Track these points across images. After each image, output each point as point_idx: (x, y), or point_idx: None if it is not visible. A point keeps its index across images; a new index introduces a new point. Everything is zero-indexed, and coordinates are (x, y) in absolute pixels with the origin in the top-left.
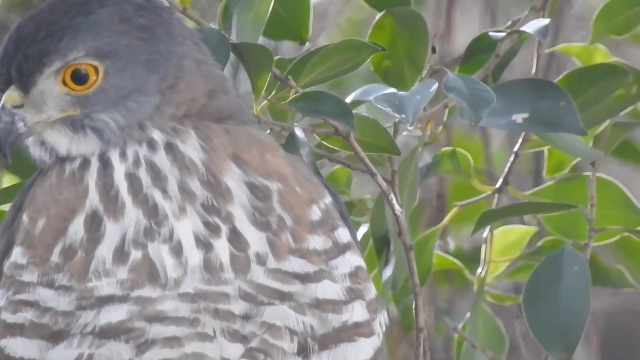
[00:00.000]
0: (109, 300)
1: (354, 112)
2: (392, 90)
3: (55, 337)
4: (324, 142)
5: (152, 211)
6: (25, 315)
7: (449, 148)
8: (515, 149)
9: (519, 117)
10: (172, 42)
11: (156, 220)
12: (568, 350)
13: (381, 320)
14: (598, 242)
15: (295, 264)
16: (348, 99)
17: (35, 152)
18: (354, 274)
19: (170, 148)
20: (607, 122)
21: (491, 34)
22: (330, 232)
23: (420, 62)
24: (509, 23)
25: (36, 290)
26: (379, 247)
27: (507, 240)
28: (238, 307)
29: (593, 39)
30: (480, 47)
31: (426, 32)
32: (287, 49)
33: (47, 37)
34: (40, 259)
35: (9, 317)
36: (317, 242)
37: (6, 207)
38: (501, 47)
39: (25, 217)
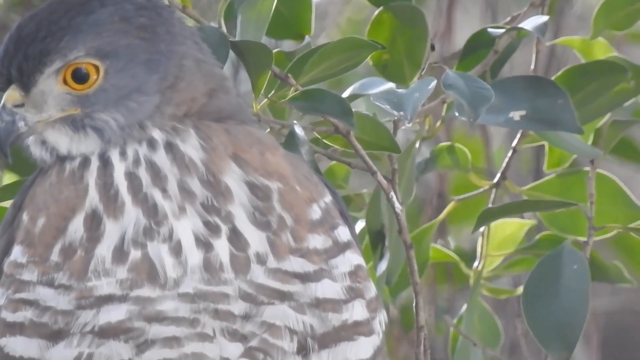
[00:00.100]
0: (109, 299)
1: (354, 110)
2: (391, 84)
3: (55, 336)
4: (324, 140)
5: (151, 210)
6: (25, 314)
7: (447, 143)
8: (514, 144)
9: (516, 115)
10: (172, 41)
11: (156, 220)
12: (567, 350)
13: (381, 319)
14: (595, 238)
15: (296, 264)
16: (346, 93)
17: (36, 151)
18: (354, 273)
19: (170, 147)
20: (607, 118)
21: (490, 30)
22: (330, 231)
23: (419, 57)
24: (508, 19)
25: (36, 289)
26: (374, 241)
27: (503, 233)
28: (238, 307)
29: (594, 34)
30: (479, 43)
31: (425, 27)
32: (288, 48)
33: (48, 36)
34: (40, 258)
35: (9, 316)
36: (317, 241)
37: (7, 204)
38: (500, 43)
39: (25, 216)
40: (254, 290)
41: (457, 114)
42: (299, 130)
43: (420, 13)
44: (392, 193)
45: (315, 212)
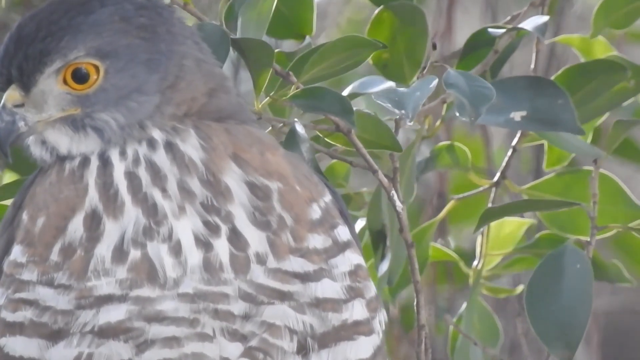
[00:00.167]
0: (108, 299)
1: (355, 108)
2: (391, 83)
3: (54, 336)
4: (325, 138)
5: (151, 210)
6: (25, 314)
7: (447, 142)
8: (513, 143)
9: (517, 115)
10: (172, 41)
11: (155, 220)
12: (570, 349)
13: (381, 319)
14: (597, 236)
15: (295, 264)
16: (346, 92)
17: (36, 151)
18: (353, 273)
19: (170, 147)
20: (606, 117)
21: (490, 30)
22: (330, 230)
23: (419, 57)
24: (508, 18)
25: (36, 289)
26: (375, 241)
27: (503, 232)
28: (238, 307)
29: (594, 33)
30: (479, 42)
31: (426, 26)
32: (289, 48)
33: (48, 36)
34: (39, 258)
35: (9, 316)
36: (317, 241)
37: (7, 202)
38: (500, 43)
39: (25, 216)
40: (253, 290)
41: (457, 114)
42: (299, 128)
43: (420, 12)
44: (393, 192)
45: (315, 212)
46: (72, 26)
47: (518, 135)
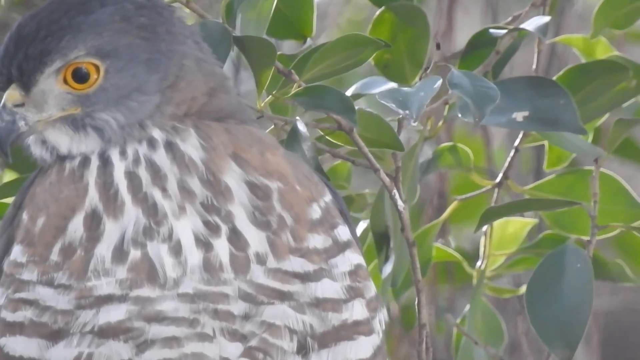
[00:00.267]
0: (108, 299)
1: (357, 107)
2: (393, 84)
3: (54, 336)
4: (327, 137)
5: (151, 210)
6: (25, 314)
7: (449, 143)
8: (516, 143)
9: (519, 115)
10: (173, 41)
11: (155, 220)
12: (570, 348)
13: (381, 319)
14: (598, 237)
15: (296, 264)
16: (348, 92)
17: (36, 151)
18: (353, 272)
19: (170, 147)
20: (607, 116)
21: (491, 30)
22: (330, 230)
23: (420, 57)
24: (510, 19)
25: (36, 289)
26: (378, 243)
27: (505, 232)
28: (237, 307)
29: (594, 33)
30: (481, 43)
31: (427, 26)
32: (289, 48)
33: (48, 36)
34: (40, 258)
35: (9, 316)
36: (317, 240)
37: (8, 201)
38: (501, 43)
39: (25, 215)
40: (253, 290)
41: (460, 115)
42: (301, 126)
43: (421, 13)
44: (395, 191)
45: (315, 212)
46: (72, 26)
47: (520, 135)
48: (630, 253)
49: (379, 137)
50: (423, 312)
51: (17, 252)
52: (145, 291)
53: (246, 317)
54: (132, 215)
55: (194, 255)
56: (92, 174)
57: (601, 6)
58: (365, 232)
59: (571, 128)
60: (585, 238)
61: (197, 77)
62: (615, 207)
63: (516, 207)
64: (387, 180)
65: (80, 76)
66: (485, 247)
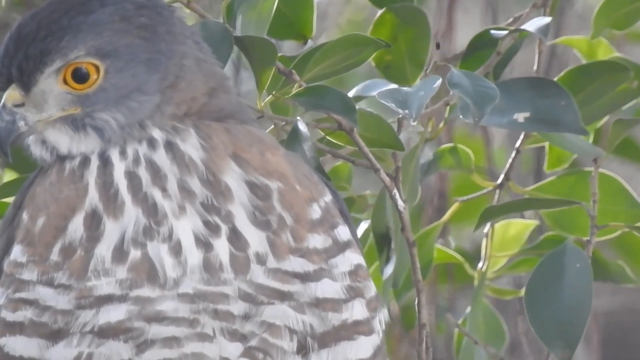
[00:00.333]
0: (108, 299)
1: (357, 107)
2: (394, 85)
3: (54, 335)
4: (327, 137)
5: (151, 210)
6: (25, 314)
7: (450, 145)
8: (517, 145)
9: (520, 116)
10: (173, 41)
11: (155, 219)
12: (570, 348)
13: (381, 319)
14: (599, 238)
15: (295, 264)
16: (349, 95)
17: (36, 151)
18: (353, 272)
19: (170, 146)
20: (608, 117)
21: (492, 32)
22: (330, 230)
23: (421, 58)
24: (510, 20)
25: (36, 289)
26: (379, 244)
27: (507, 234)
28: (237, 307)
29: (594, 34)
30: (481, 44)
31: (427, 27)
32: (290, 48)
33: (48, 36)
34: (40, 257)
35: (9, 316)
36: (317, 240)
37: (8, 200)
38: (502, 44)
39: (25, 215)
40: (253, 290)
41: (461, 116)
42: (302, 126)
43: (422, 14)
44: (395, 190)
45: (315, 212)
46: (72, 26)
47: (521, 136)
48: (630, 253)
49: (379, 137)
50: (423, 312)
51: (17, 252)
52: (145, 291)
53: (246, 317)
54: (132, 215)
55: (194, 255)
56: (92, 174)
57: (601, 7)
58: (366, 233)
59: (572, 129)
60: (585, 238)
61: (197, 77)
62: (615, 208)
63: (516, 207)
64: (387, 180)
65: (80, 76)
66: (486, 248)
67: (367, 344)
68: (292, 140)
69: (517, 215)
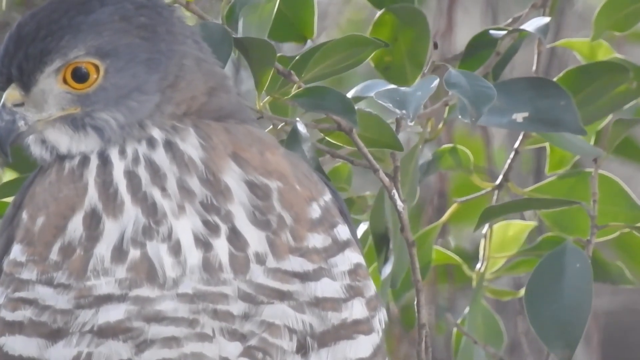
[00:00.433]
0: (107, 299)
1: (356, 108)
2: (393, 86)
3: (54, 335)
4: (326, 137)
5: (151, 209)
6: (24, 313)
7: (450, 145)
8: (516, 145)
9: (519, 116)
10: (173, 40)
11: (155, 219)
12: (570, 348)
13: (381, 318)
14: (598, 238)
15: (295, 263)
16: (348, 95)
17: (36, 150)
18: (353, 272)
19: (169, 146)
20: (609, 119)
21: (491, 32)
22: (330, 229)
23: (421, 59)
24: (510, 20)
25: (35, 288)
26: (378, 244)
27: (505, 235)
28: (237, 307)
29: (595, 35)
30: (481, 44)
31: (427, 28)
32: (289, 49)
33: (48, 36)
34: (39, 257)
35: (8, 315)
36: (316, 240)
37: (8, 200)
38: (502, 44)
39: (25, 215)
40: (253, 290)
41: (460, 116)
42: (301, 127)
43: (421, 15)
44: (394, 191)
45: (315, 211)
46: (72, 25)
47: (520, 137)
48: (630, 253)
49: (379, 137)
50: (422, 312)
51: (16, 252)
52: (145, 291)
53: (246, 316)
54: (132, 214)
55: (193, 255)
56: (91, 173)
57: (602, 9)
58: (365, 234)
59: (571, 129)
60: (586, 238)
61: (197, 77)
62: (614, 209)
63: (516, 206)
64: (386, 180)
65: (80, 76)
66: (484, 249)
67: (366, 343)
68: (292, 141)
69: (516, 216)
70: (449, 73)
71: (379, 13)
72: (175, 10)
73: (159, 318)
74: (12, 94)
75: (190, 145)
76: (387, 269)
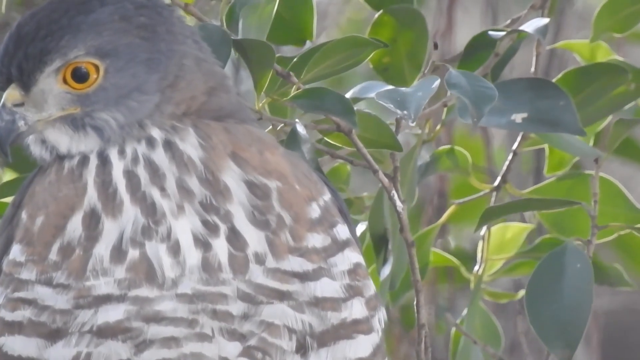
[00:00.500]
0: (107, 299)
1: (355, 108)
2: (391, 87)
3: (53, 335)
4: (325, 138)
5: (150, 209)
6: (24, 313)
7: (448, 146)
8: (514, 147)
9: (518, 117)
10: (172, 40)
11: (154, 219)
12: (570, 348)
13: (380, 317)
14: (598, 239)
15: (295, 263)
16: (347, 96)
17: (36, 150)
18: (353, 271)
19: (169, 146)
20: (609, 120)
21: (490, 33)
22: (329, 229)
23: (419, 60)
24: (509, 22)
25: (34, 288)
26: (377, 245)
27: (504, 237)
28: (236, 307)
29: (594, 37)
30: (480, 45)
31: (426, 29)
32: (288, 49)
33: (48, 35)
34: (38, 257)
35: (8, 315)
36: (316, 240)
37: (7, 199)
38: (501, 45)
39: (24, 215)
40: (252, 290)
41: (460, 117)
42: (300, 128)
43: (420, 16)
44: (394, 191)
45: (315, 211)
46: (72, 25)
47: (519, 138)
48: (629, 254)
49: (378, 138)
50: (422, 312)
51: (16, 251)
52: (144, 291)
53: (245, 316)
54: (131, 214)
55: (192, 255)
56: (91, 173)
57: (601, 10)
58: (364, 234)
59: (571, 129)
60: (586, 239)
61: (196, 77)
62: (614, 211)
63: (516, 207)
64: (385, 181)
65: (79, 76)
66: (482, 251)
67: (366, 343)
68: (291, 142)
69: (515, 218)
70: (450, 73)
71: (377, 14)
72: (175, 10)
73: (158, 318)
74: (12, 94)
75: (190, 145)
76: (386, 270)
